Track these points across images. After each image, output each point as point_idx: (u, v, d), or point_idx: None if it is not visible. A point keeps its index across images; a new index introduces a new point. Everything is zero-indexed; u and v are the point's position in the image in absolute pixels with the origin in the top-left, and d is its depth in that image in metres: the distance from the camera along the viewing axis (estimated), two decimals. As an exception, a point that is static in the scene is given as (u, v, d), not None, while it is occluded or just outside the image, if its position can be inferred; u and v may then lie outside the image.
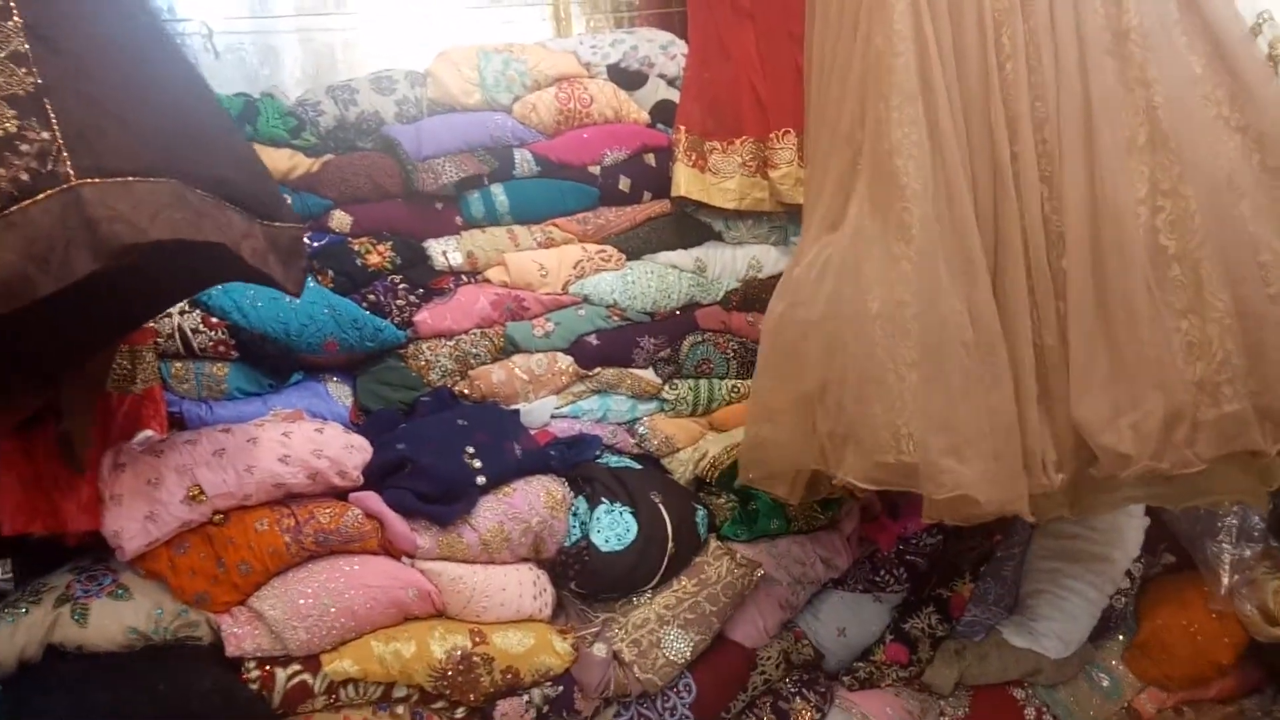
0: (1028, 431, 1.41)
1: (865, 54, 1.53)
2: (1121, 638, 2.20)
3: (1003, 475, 1.40)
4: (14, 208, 0.96)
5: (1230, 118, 1.47)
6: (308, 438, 1.54)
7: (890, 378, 1.43)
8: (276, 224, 1.20)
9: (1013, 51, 1.45)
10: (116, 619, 1.39)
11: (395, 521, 1.55)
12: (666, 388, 2.04)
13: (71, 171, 0.99)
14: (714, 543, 1.88)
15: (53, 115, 0.99)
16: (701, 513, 1.89)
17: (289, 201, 1.81)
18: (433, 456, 1.61)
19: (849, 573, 2.00)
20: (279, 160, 1.82)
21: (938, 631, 2.05)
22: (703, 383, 2.08)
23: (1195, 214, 1.38)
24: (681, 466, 2.01)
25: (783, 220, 2.19)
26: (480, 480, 1.64)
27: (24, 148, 0.97)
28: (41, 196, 0.97)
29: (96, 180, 1.00)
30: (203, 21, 2.09)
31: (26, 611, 1.38)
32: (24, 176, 0.96)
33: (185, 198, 1.07)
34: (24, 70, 0.98)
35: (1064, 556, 2.08)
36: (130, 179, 1.02)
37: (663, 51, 2.17)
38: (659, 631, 1.73)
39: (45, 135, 0.98)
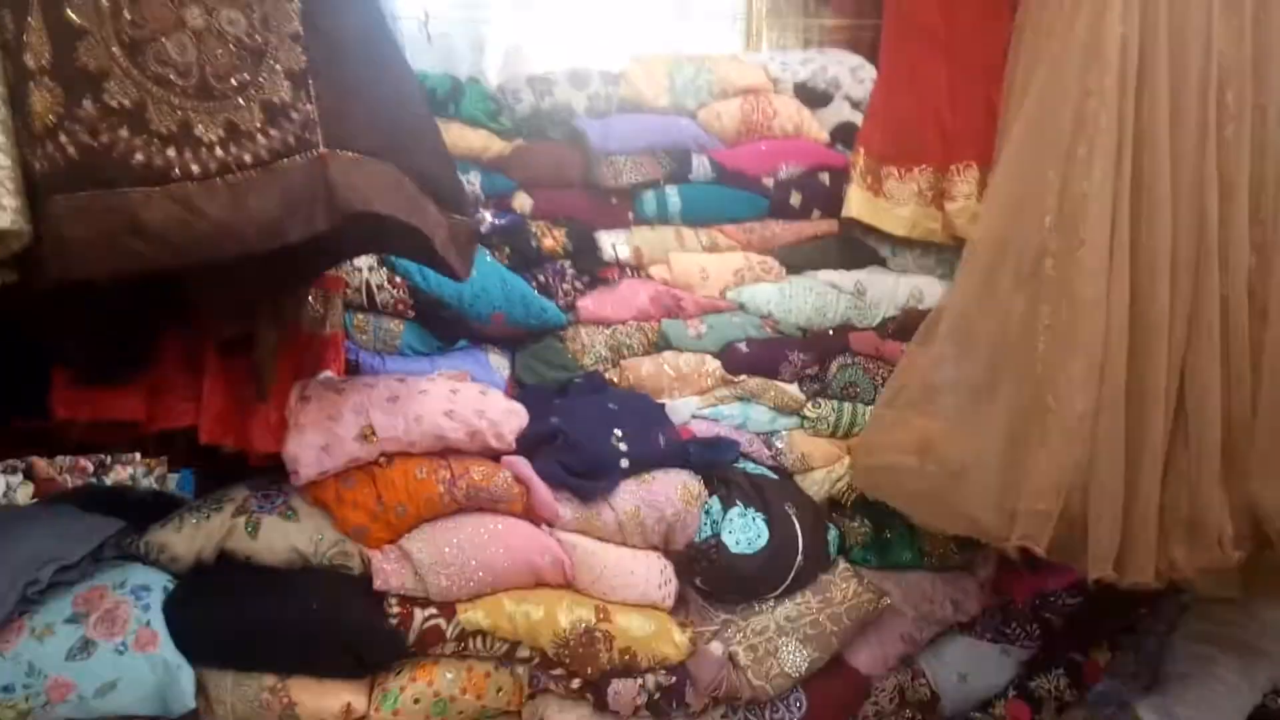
0: (1204, 504, 1.35)
1: (1074, 98, 1.51)
2: (1270, 742, 2.04)
3: (1103, 541, 1.36)
4: (280, 162, 1.11)
5: None
6: (473, 398, 1.62)
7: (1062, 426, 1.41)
8: (459, 217, 1.33)
9: (1237, 112, 1.40)
10: (283, 537, 1.50)
11: (541, 489, 1.61)
12: (809, 405, 2.04)
13: (321, 142, 1.14)
14: (842, 564, 1.86)
15: (314, 92, 1.14)
16: (834, 532, 1.87)
17: (475, 181, 1.94)
18: (584, 433, 1.66)
19: (978, 619, 1.93)
20: (476, 139, 1.93)
21: (1065, 696, 1.95)
22: (846, 405, 2.06)
23: None
24: (815, 486, 1.99)
25: (952, 254, 2.15)
26: (625, 463, 1.69)
27: (294, 115, 1.12)
28: (298, 158, 1.12)
29: (339, 152, 1.15)
30: (421, 8, 2.26)
31: (209, 516, 1.51)
32: (290, 140, 1.12)
33: (402, 183, 1.22)
34: (300, 49, 1.13)
35: (1216, 642, 1.94)
36: (363, 157, 1.17)
37: (851, 74, 2.19)
38: (777, 641, 1.72)
39: (308, 108, 1.13)
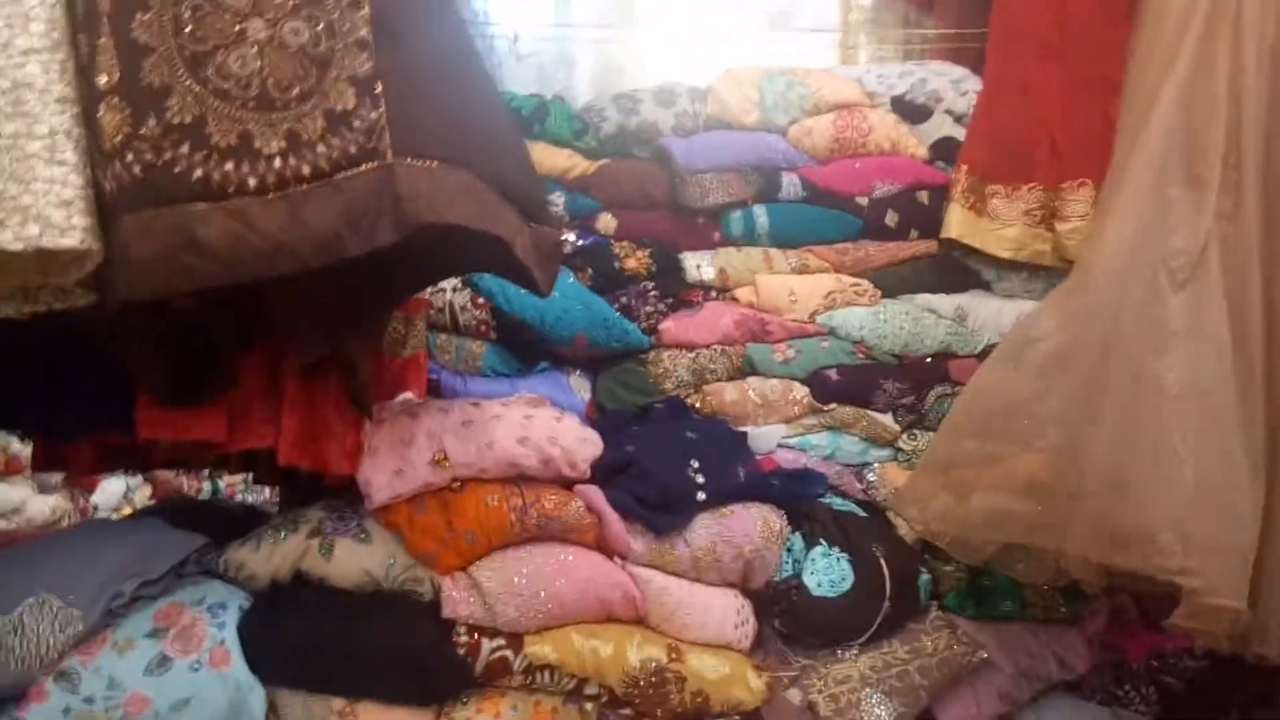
0: None
1: (1192, 99, 1.38)
2: None
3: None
4: (340, 175, 1.08)
5: None
6: (547, 424, 1.59)
7: (1174, 462, 1.27)
8: (542, 226, 1.28)
9: None
10: (355, 560, 1.50)
11: (614, 520, 1.56)
12: (905, 437, 1.93)
13: (389, 149, 1.10)
14: (935, 611, 1.74)
15: (382, 98, 1.10)
16: (925, 577, 1.75)
17: (559, 202, 1.92)
18: (659, 463, 1.61)
19: (1086, 678, 1.77)
20: (560, 159, 1.91)
21: (1185, 768, 1.77)
22: (945, 439, 1.94)
23: None
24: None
25: (1062, 278, 2.00)
26: (701, 496, 1.62)
27: (356, 124, 1.09)
28: (363, 168, 1.09)
29: (407, 160, 1.10)
30: (511, 28, 2.27)
31: (285, 537, 1.52)
32: (352, 149, 1.08)
33: (476, 189, 1.16)
34: (365, 55, 1.10)
35: (1366, 718, 1.73)
36: (434, 164, 1.12)
37: (954, 86, 2.07)
38: (860, 692, 1.62)
39: (374, 115, 1.10)
